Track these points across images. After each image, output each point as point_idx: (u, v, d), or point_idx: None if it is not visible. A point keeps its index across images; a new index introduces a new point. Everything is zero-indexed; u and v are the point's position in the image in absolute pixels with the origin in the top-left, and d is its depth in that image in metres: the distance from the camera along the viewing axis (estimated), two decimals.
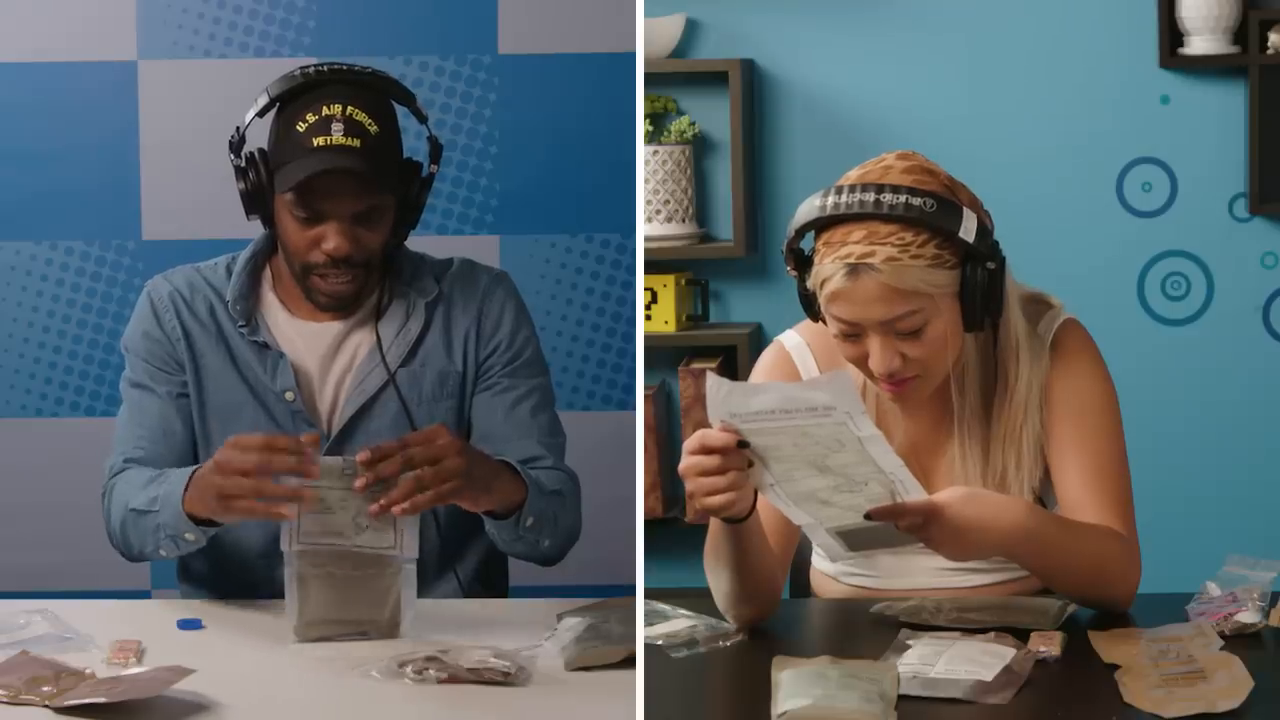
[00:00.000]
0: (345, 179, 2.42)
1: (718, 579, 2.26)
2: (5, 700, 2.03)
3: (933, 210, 2.20)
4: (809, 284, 2.29)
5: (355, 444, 2.51)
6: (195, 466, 2.38)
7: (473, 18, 3.54)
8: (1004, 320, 2.31)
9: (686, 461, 2.10)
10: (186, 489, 2.32)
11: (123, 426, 2.56)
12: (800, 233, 2.27)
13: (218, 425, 2.54)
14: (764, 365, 2.46)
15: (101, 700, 2.00)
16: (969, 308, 2.25)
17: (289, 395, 2.52)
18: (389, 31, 3.54)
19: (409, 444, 2.23)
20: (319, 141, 2.41)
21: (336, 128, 2.41)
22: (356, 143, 2.41)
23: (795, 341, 2.45)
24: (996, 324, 2.30)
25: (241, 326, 2.54)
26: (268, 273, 2.59)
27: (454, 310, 2.58)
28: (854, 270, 2.21)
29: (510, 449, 2.51)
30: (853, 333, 2.26)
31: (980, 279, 2.24)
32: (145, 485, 2.41)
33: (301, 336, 2.55)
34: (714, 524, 2.24)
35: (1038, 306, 2.39)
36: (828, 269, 2.23)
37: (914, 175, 2.25)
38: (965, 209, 2.22)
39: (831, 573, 2.48)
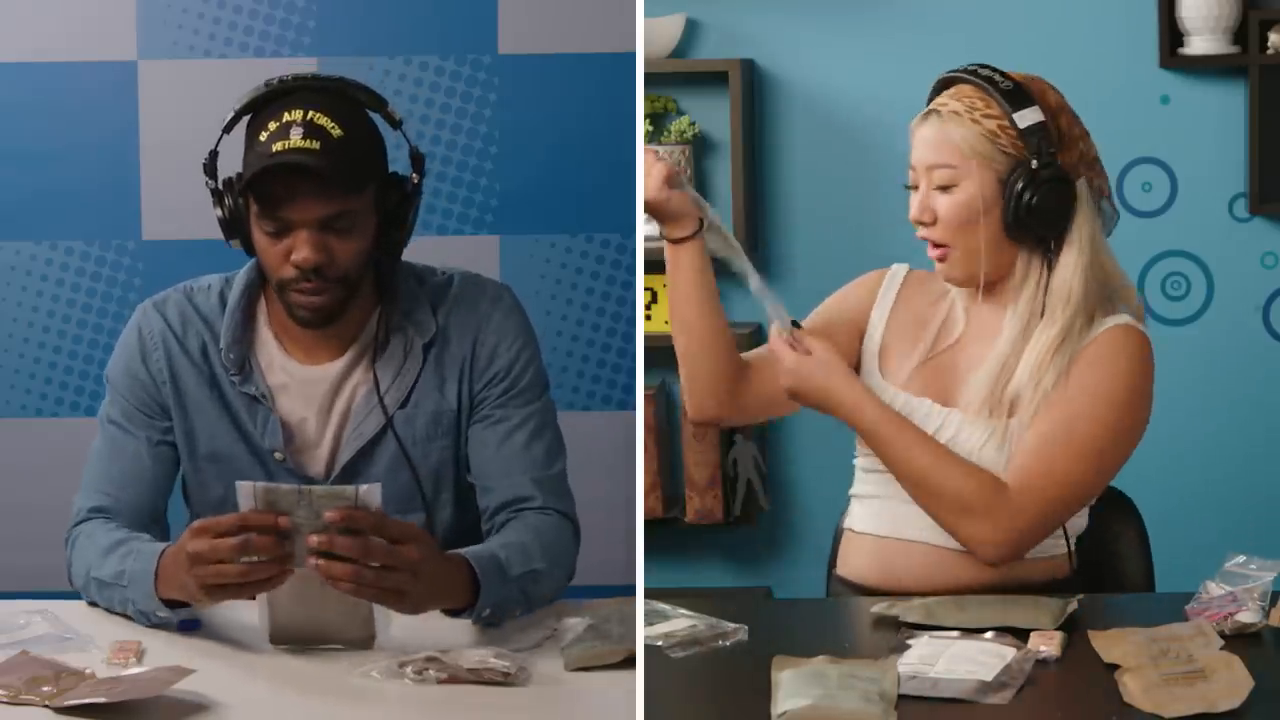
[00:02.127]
0: (304, 182, 2.35)
1: (682, 349, 2.57)
2: (5, 700, 2.03)
3: (1008, 89, 2.41)
4: None
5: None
6: (164, 545, 2.29)
7: (473, 18, 3.54)
8: (1059, 271, 2.42)
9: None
10: (158, 571, 2.24)
11: (94, 462, 2.51)
12: (928, 104, 2.48)
13: (211, 469, 2.52)
14: (862, 279, 2.65)
15: (101, 700, 2.00)
16: (1006, 203, 2.40)
17: (278, 455, 2.49)
18: (389, 31, 3.54)
19: (381, 532, 2.14)
20: (278, 146, 2.35)
21: (296, 131, 2.35)
22: (315, 144, 2.35)
23: (898, 267, 2.63)
24: (1045, 239, 2.43)
25: (234, 375, 2.49)
26: (263, 304, 2.54)
27: (449, 347, 2.52)
28: (927, 114, 2.46)
29: (499, 488, 2.49)
30: (914, 182, 2.47)
31: (1022, 172, 2.39)
32: (109, 552, 2.34)
33: (296, 382, 2.51)
34: (674, 288, 2.51)
35: (1113, 304, 2.46)
36: (916, 117, 2.48)
37: (1031, 79, 2.45)
38: (1037, 109, 2.40)
39: (869, 530, 2.53)
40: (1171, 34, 3.75)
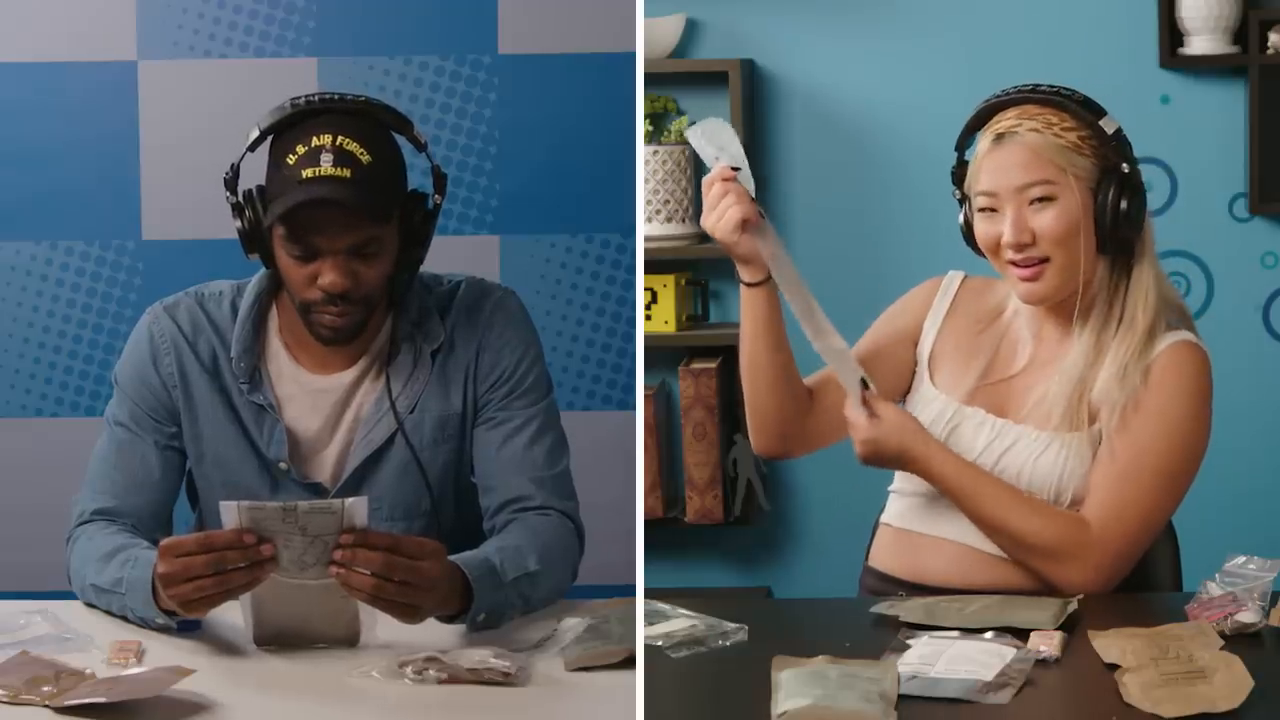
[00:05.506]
0: (334, 211, 2.36)
1: (745, 376, 2.52)
2: (5, 700, 2.03)
3: (1080, 101, 2.43)
4: (964, 188, 2.50)
5: (361, 495, 2.38)
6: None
7: (473, 18, 3.54)
8: (1138, 276, 2.44)
9: (707, 202, 2.39)
10: (154, 581, 2.21)
11: (98, 464, 2.51)
12: (967, 134, 2.49)
13: (217, 474, 2.53)
14: (916, 289, 2.64)
15: (101, 700, 2.00)
16: (1100, 212, 2.40)
17: (282, 465, 2.50)
18: (389, 31, 3.54)
19: (399, 549, 2.15)
20: (308, 173, 2.34)
21: (326, 158, 2.34)
22: (346, 173, 2.35)
23: (953, 275, 2.62)
24: (1130, 248, 2.43)
25: (243, 383, 2.50)
26: (274, 313, 2.54)
27: (454, 353, 2.53)
28: (1000, 138, 2.43)
29: (500, 487, 2.49)
30: (991, 206, 2.44)
31: (1115, 178, 2.40)
32: (108, 558, 2.33)
33: (305, 391, 2.52)
34: (744, 328, 2.49)
35: (1176, 319, 2.46)
36: (980, 144, 2.46)
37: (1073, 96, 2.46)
38: (1112, 118, 2.43)
39: (904, 525, 2.53)
40: (1171, 34, 3.75)
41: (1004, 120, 2.44)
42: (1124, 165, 2.41)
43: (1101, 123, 2.42)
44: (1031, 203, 2.41)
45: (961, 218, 2.52)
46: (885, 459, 2.43)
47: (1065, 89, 2.45)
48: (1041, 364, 2.48)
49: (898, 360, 2.56)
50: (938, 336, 2.57)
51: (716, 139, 2.43)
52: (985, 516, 2.40)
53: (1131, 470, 2.38)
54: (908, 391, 2.58)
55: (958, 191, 2.53)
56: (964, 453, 2.45)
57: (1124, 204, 2.40)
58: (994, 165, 2.43)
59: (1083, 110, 2.42)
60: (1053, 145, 2.40)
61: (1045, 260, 2.41)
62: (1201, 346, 2.44)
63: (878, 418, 2.41)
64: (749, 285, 2.46)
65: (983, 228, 2.45)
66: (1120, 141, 2.42)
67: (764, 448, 2.58)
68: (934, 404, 2.49)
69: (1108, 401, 2.40)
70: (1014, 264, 2.43)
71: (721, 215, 2.38)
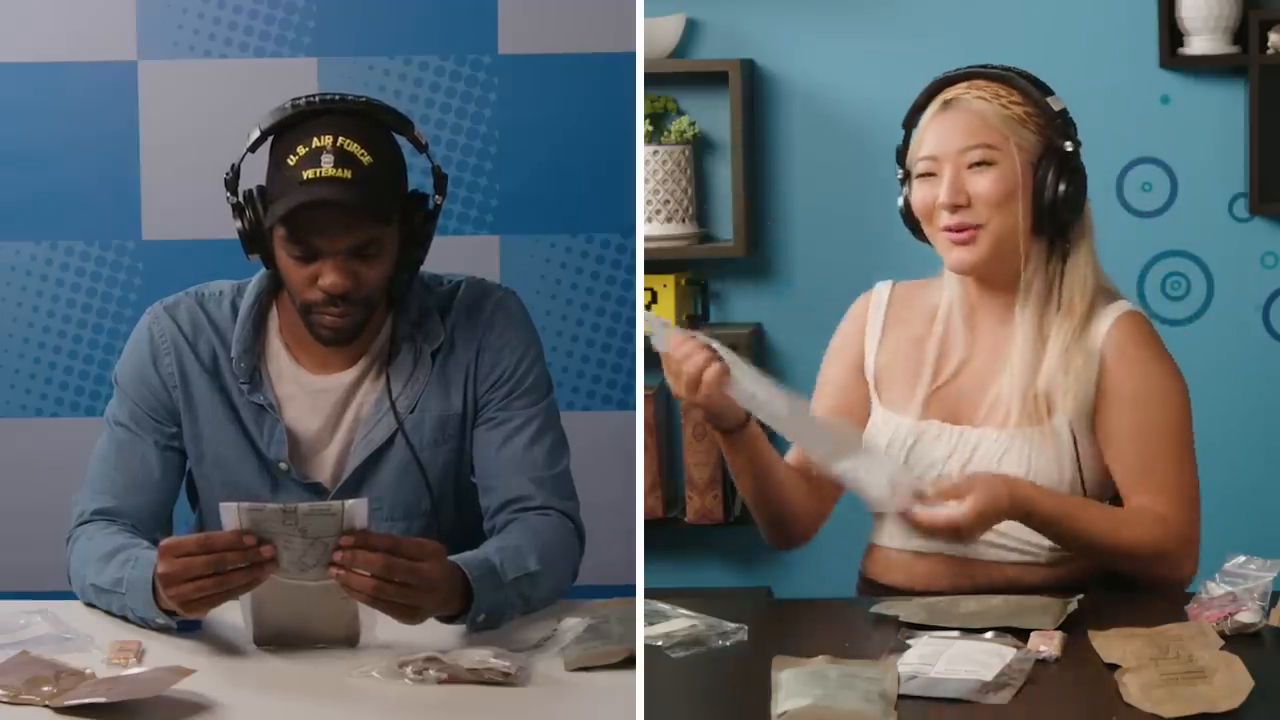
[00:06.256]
0: (335, 213, 2.36)
1: (750, 503, 2.52)
2: (5, 700, 2.03)
3: (1030, 79, 2.45)
4: (907, 162, 2.49)
5: (361, 495, 2.44)
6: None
7: (473, 18, 3.54)
8: (1074, 260, 2.44)
9: (672, 370, 2.34)
10: (154, 581, 2.21)
11: (98, 463, 2.50)
12: (915, 112, 2.47)
13: (217, 474, 2.53)
14: (850, 312, 2.61)
15: (101, 700, 2.00)
16: (1040, 182, 2.40)
17: (282, 465, 2.50)
18: (389, 31, 3.54)
19: (399, 550, 2.15)
20: (309, 174, 2.34)
21: (326, 159, 2.34)
22: (347, 174, 2.35)
23: (881, 286, 2.60)
24: (1066, 234, 2.44)
25: (243, 383, 2.50)
26: (274, 314, 2.54)
27: (454, 353, 2.53)
28: (947, 104, 2.44)
29: (500, 488, 2.49)
30: (931, 170, 2.43)
31: (1056, 158, 2.41)
32: (108, 558, 2.33)
33: (305, 391, 2.52)
34: (742, 473, 2.47)
35: (1110, 296, 2.48)
36: (926, 112, 2.46)
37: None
38: (1056, 97, 2.44)
39: (895, 545, 2.51)
40: (1171, 34, 3.75)
41: (953, 90, 2.45)
42: (1067, 144, 2.42)
43: (1049, 100, 2.43)
44: (971, 166, 2.41)
45: (901, 199, 2.51)
46: (998, 520, 2.32)
47: (1014, 68, 2.46)
48: (983, 355, 2.47)
49: (860, 396, 2.54)
50: (879, 353, 2.55)
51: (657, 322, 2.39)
52: (1093, 539, 2.37)
53: (1158, 456, 2.40)
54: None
55: (900, 170, 2.51)
56: (927, 467, 2.44)
57: (1063, 186, 2.41)
58: (937, 130, 2.44)
59: (1030, 87, 2.44)
60: (999, 114, 2.42)
61: (979, 226, 2.41)
62: (1139, 309, 2.47)
63: (965, 497, 2.28)
64: (733, 432, 2.42)
65: (920, 193, 2.45)
66: (1065, 121, 2.43)
67: (781, 545, 2.59)
68: (888, 425, 2.48)
69: (1056, 387, 2.40)
70: (947, 229, 2.42)
71: (697, 378, 2.32)
